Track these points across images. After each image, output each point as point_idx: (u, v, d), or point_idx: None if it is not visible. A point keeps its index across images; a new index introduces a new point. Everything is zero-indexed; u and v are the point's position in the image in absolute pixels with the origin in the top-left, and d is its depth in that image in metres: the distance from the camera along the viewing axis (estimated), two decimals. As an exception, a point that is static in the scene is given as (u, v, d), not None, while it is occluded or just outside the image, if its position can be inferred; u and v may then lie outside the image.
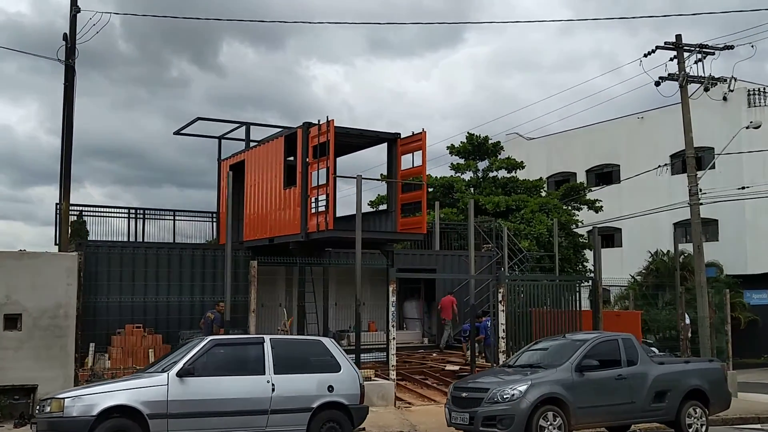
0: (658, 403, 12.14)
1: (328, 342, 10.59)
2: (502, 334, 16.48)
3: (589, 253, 36.75)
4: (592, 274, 33.27)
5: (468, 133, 32.39)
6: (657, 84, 24.38)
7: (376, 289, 26.78)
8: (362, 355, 21.00)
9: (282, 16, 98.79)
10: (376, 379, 15.33)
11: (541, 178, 33.22)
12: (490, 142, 32.66)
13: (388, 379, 15.17)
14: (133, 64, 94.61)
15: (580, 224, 31.60)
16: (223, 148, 23.99)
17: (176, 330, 19.89)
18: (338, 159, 23.21)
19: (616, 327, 20.60)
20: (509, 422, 10.89)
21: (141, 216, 22.95)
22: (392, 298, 15.19)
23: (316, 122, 18.32)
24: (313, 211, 18.16)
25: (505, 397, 11.03)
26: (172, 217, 23.42)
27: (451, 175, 32.19)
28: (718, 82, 23.67)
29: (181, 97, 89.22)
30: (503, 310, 16.56)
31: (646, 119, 42.32)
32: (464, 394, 11.61)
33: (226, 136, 23.99)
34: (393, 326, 15.21)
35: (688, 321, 20.97)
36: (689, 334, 20.45)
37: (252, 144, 22.35)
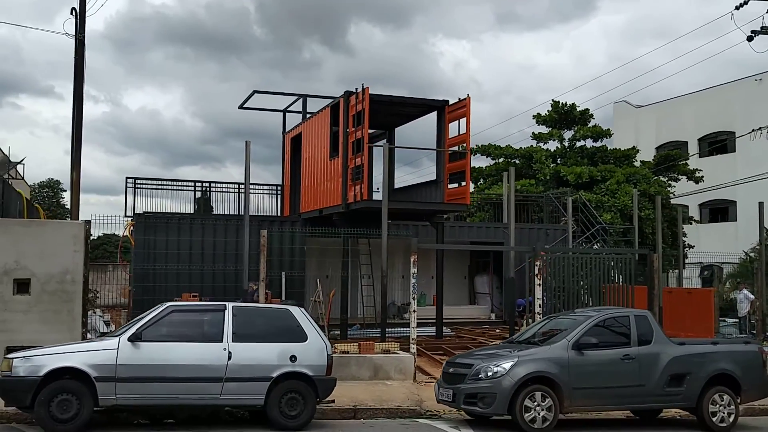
0: (674, 387, 10.93)
1: (297, 311, 10.28)
2: (538, 309, 15.54)
3: (688, 228, 34.38)
4: (689, 251, 31.15)
5: (552, 100, 30.84)
6: (749, 39, 22.16)
7: (446, 265, 26.18)
8: (417, 328, 20.92)
9: None
10: (397, 352, 14.87)
11: (633, 147, 31.01)
12: (578, 109, 30.89)
13: (408, 353, 14.66)
14: (267, 48, 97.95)
15: (672, 195, 29.36)
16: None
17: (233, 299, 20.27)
18: (396, 129, 22.85)
19: (685, 305, 19.06)
20: (491, 400, 10.19)
21: (208, 189, 23.53)
22: (413, 270, 14.63)
23: (354, 90, 17.93)
24: (352, 181, 17.86)
25: (488, 374, 10.33)
26: (237, 191, 23.80)
27: (531, 146, 30.79)
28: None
29: (313, 78, 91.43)
30: (539, 284, 15.59)
31: (765, 81, 38.63)
32: (451, 370, 11.00)
33: (289, 109, 24.11)
34: (414, 298, 14.66)
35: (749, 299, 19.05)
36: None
37: (308, 116, 22.30)
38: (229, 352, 9.57)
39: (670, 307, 19.26)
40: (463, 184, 18.86)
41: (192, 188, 23.33)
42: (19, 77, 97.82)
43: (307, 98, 22.94)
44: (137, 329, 9.37)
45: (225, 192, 23.86)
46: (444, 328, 20.80)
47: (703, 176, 30.94)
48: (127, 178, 21.94)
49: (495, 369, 10.31)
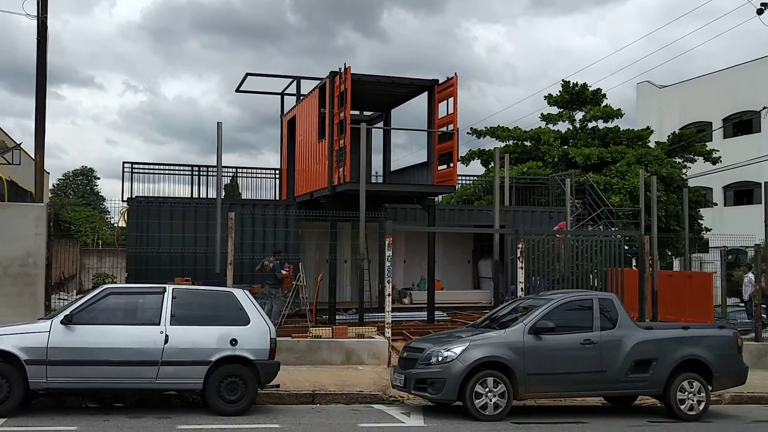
0: (639, 373, 10.45)
1: (240, 294, 10.03)
2: (520, 293, 15.06)
3: (711, 211, 33.35)
4: (708, 234, 30.20)
5: (563, 80, 30.03)
6: (759, 12, 21.30)
7: (448, 249, 25.84)
8: (411, 313, 20.60)
9: None
10: (373, 336, 14.58)
11: (647, 128, 30.07)
12: (589, 89, 30.05)
13: (382, 337, 14.35)
14: (301, 35, 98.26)
15: (684, 177, 28.43)
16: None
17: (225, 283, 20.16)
18: (393, 111, 22.43)
19: (685, 289, 18.39)
20: (440, 386, 9.85)
21: (204, 174, 23.41)
22: (388, 252, 14.26)
23: (338, 71, 17.57)
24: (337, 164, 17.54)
25: (439, 358, 9.98)
26: (234, 174, 23.68)
27: (539, 127, 30.07)
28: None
29: (348, 63, 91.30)
30: (521, 267, 15.11)
31: (793, 58, 37.23)
32: (405, 354, 10.69)
33: (286, 92, 23.84)
34: (388, 282, 14.31)
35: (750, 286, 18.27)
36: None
37: (302, 98, 22.02)
38: (166, 336, 9.36)
39: (671, 291, 18.64)
40: (452, 165, 18.37)
41: (189, 173, 23.25)
42: (60, 68, 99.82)
43: (302, 80, 22.61)
44: (70, 312, 9.22)
45: (254, 177, 23.79)
46: (440, 312, 20.46)
47: (720, 157, 29.87)
48: (124, 163, 22.05)
49: (445, 353, 9.95)
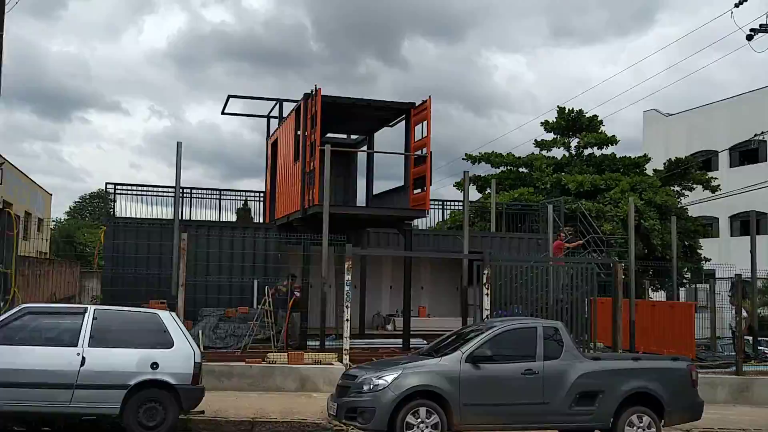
0: (584, 406, 9.93)
1: (166, 316, 9.73)
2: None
3: (711, 241, 32.60)
4: (708, 265, 29.46)
5: (558, 106, 29.67)
6: (749, 38, 20.86)
7: (436, 275, 25.41)
8: (389, 340, 20.14)
9: (463, 8, 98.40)
10: (332, 363, 14.18)
11: (645, 155, 29.53)
12: (585, 116, 29.66)
13: (341, 364, 13.94)
14: (324, 62, 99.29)
15: (679, 205, 27.81)
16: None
17: (202, 307, 19.91)
18: (376, 134, 22.18)
19: (667, 320, 17.81)
20: (370, 415, 9.40)
21: (188, 195, 23.26)
22: (347, 277, 13.93)
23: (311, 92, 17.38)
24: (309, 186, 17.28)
25: (370, 386, 9.55)
26: (218, 197, 23.51)
27: (532, 153, 29.67)
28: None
29: (369, 92, 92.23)
30: (487, 294, 14.68)
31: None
32: (340, 381, 10.27)
33: (272, 114, 23.71)
34: (347, 307, 13.94)
35: (744, 314, 17.60)
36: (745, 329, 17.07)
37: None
38: (83, 358, 9.06)
39: (653, 322, 18.09)
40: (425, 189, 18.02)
41: (173, 194, 23.05)
42: (88, 93, 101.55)
43: (285, 103, 22.49)
44: (-17, 332, 8.95)
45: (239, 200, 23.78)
46: (420, 340, 19.97)
47: (720, 185, 29.23)
48: (106, 183, 21.98)
49: (376, 381, 9.53)
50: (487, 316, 14.65)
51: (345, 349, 13.83)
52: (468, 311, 24.83)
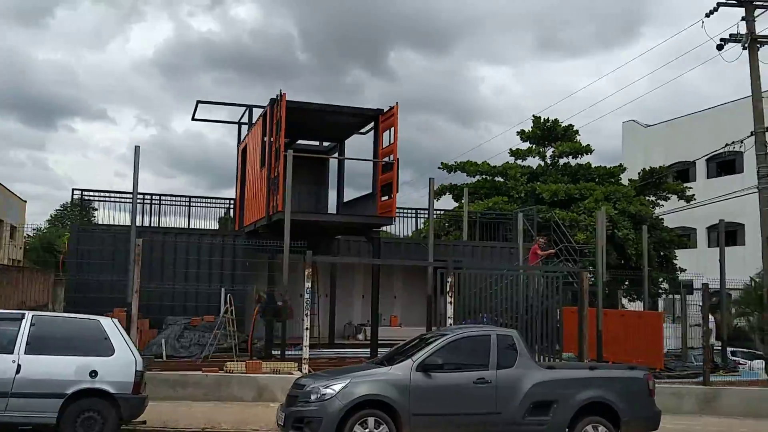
0: (538, 416, 9.73)
1: (108, 323, 9.44)
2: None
3: (688, 252, 32.60)
4: (683, 275, 29.43)
5: (533, 116, 29.64)
6: (719, 48, 20.80)
7: (409, 285, 25.16)
8: (357, 350, 19.86)
9: (450, 20, 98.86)
10: (292, 372, 13.89)
11: (620, 165, 29.54)
12: (561, 125, 29.62)
13: (300, 373, 13.64)
14: (312, 72, 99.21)
15: (653, 214, 27.79)
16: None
17: (168, 315, 19.57)
18: (350, 141, 21.99)
19: (636, 330, 17.65)
20: (316, 425, 9.14)
21: (157, 202, 22.97)
22: (307, 284, 13.67)
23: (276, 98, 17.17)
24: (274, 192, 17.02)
25: (318, 396, 9.30)
26: (187, 204, 23.22)
27: (506, 162, 29.57)
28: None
29: (356, 102, 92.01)
30: (451, 302, 14.48)
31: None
32: (289, 391, 10.02)
33: (243, 121, 23.47)
34: (307, 315, 13.69)
35: (711, 326, 17.52)
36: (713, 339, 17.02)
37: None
38: (18, 365, 8.76)
39: (624, 331, 17.91)
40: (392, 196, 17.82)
41: (141, 200, 22.76)
42: (74, 101, 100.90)
43: (254, 109, 22.27)
44: None
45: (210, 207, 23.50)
46: (389, 349, 19.68)
47: (694, 195, 29.25)
48: (73, 189, 21.67)
49: (324, 390, 9.28)
50: (450, 324, 14.43)
51: (305, 358, 13.57)
52: (436, 320, 24.80)
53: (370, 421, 9.19)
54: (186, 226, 22.67)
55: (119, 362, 9.15)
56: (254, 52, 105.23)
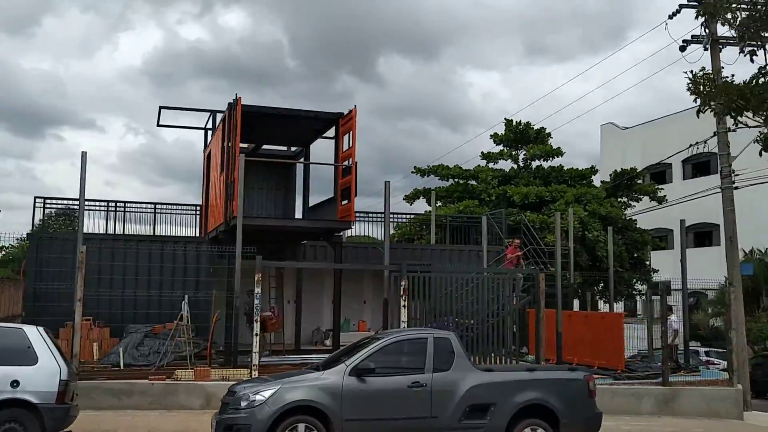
0: (474, 419, 9.57)
1: (32, 331, 9.24)
2: (403, 333, 14.20)
3: (658, 253, 32.58)
4: (655, 276, 29.39)
5: (505, 119, 29.58)
6: (682, 49, 20.72)
7: (379, 288, 24.98)
8: (320, 355, 19.67)
9: (438, 26, 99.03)
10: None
11: (592, 167, 29.50)
12: (533, 128, 29.57)
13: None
14: (301, 79, 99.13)
15: (624, 216, 27.76)
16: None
17: (130, 323, 19.33)
18: (312, 145, 21.85)
19: (598, 331, 17.56)
20: (246, 433, 8.96)
21: (122, 210, 22.73)
22: (257, 289, 13.51)
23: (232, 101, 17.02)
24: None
25: (248, 402, 9.12)
26: (153, 211, 23.00)
27: (478, 165, 29.50)
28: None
29: (345, 109, 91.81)
30: (404, 306, 14.34)
31: (748, 99, 36.87)
32: (223, 397, 9.83)
33: (209, 127, 23.30)
34: (256, 321, 13.52)
35: (675, 327, 17.44)
36: (675, 341, 16.93)
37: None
38: (-62, 377, 8.55)
39: (589, 333, 17.83)
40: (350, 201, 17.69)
41: (105, 209, 22.54)
42: (62, 110, 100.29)
43: (218, 114, 22.10)
44: None
45: (175, 213, 23.23)
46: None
47: (666, 196, 29.24)
48: (35, 197, 21.34)
49: (253, 397, 9.09)
50: (404, 327, 14.27)
51: (254, 365, 13.39)
52: (396, 324, 24.69)
53: (300, 427, 9.01)
54: (151, 233, 22.44)
55: (43, 372, 8.94)
56: (243, 60, 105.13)
